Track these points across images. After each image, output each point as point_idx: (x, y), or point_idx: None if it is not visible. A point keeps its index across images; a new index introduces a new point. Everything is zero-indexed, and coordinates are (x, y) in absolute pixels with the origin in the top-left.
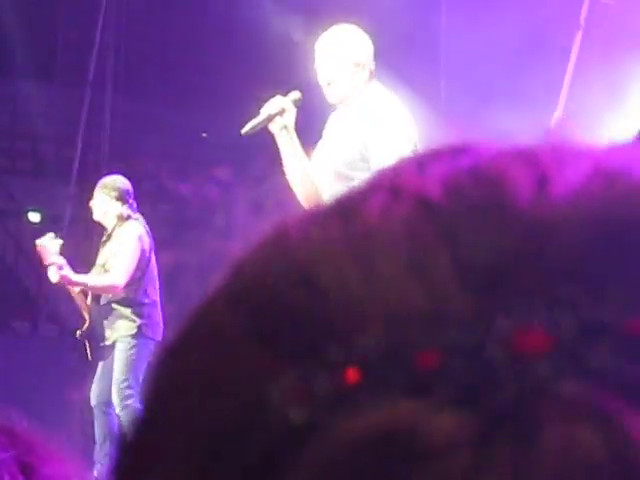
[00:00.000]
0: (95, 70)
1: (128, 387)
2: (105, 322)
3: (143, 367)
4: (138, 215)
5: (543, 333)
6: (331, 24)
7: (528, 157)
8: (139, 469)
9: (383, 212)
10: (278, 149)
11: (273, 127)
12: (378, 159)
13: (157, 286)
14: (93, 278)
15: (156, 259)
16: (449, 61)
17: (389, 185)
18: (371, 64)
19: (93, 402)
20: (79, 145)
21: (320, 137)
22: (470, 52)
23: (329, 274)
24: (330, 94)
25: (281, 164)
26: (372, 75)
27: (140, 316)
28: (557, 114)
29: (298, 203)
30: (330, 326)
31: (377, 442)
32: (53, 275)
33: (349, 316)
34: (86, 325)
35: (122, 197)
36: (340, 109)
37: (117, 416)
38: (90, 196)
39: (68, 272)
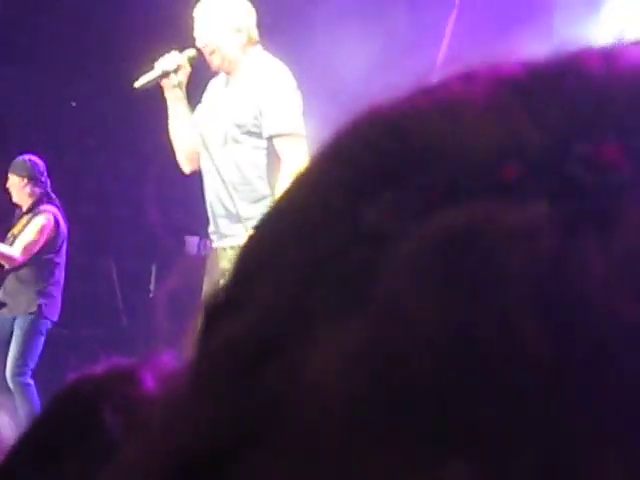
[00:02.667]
0: None
1: (22, 365)
2: (5, 293)
3: (38, 345)
4: (53, 196)
5: (615, 149)
6: None
7: (592, 50)
8: (246, 286)
9: (466, 85)
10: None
11: (165, 83)
12: (271, 125)
13: (63, 267)
14: None
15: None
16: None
17: (467, 73)
18: (251, 30)
19: None
20: None
21: (199, 101)
22: (347, 22)
23: (416, 124)
24: (210, 59)
25: (159, 123)
26: (254, 42)
27: (42, 295)
28: None
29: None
30: (416, 160)
31: (462, 231)
32: None
33: (433, 149)
34: None
35: (33, 176)
36: (222, 75)
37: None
38: None
39: None
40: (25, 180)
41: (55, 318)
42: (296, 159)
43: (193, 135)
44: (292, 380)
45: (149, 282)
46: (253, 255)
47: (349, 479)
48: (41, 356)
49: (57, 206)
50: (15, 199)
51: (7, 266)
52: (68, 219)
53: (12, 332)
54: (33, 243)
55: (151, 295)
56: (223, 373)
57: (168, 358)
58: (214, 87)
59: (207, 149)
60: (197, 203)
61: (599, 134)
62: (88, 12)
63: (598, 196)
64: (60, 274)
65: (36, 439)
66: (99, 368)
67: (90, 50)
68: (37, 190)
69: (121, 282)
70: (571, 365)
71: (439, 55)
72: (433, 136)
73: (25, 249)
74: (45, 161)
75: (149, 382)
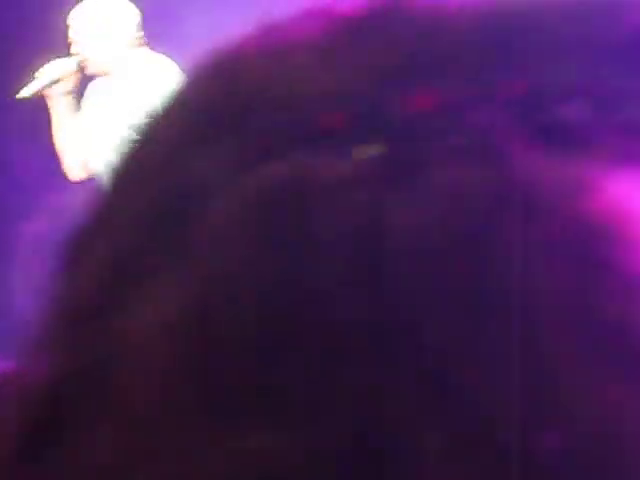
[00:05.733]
0: None
1: None
2: None
3: None
4: None
5: (431, 97)
6: None
7: None
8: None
9: (301, 25)
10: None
11: (51, 92)
12: None
13: None
14: None
15: None
16: None
17: (306, 12)
18: (131, 31)
19: None
20: None
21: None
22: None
23: (245, 67)
24: (87, 65)
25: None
26: (137, 43)
27: None
28: None
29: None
30: (242, 105)
31: (281, 183)
32: None
33: (260, 94)
34: None
35: None
36: (102, 78)
37: None
38: None
39: None
40: None
41: None
42: None
43: (83, 141)
44: (116, 341)
45: None
46: (104, 200)
47: (156, 448)
48: None
49: None
50: None
51: None
52: None
53: None
54: None
55: None
56: (57, 326)
57: None
58: (94, 91)
59: (99, 154)
60: None
61: (417, 78)
62: None
63: (409, 145)
64: None
65: None
66: None
67: None
68: None
69: None
70: (386, 329)
71: None
72: (261, 81)
73: None
74: None
75: None
